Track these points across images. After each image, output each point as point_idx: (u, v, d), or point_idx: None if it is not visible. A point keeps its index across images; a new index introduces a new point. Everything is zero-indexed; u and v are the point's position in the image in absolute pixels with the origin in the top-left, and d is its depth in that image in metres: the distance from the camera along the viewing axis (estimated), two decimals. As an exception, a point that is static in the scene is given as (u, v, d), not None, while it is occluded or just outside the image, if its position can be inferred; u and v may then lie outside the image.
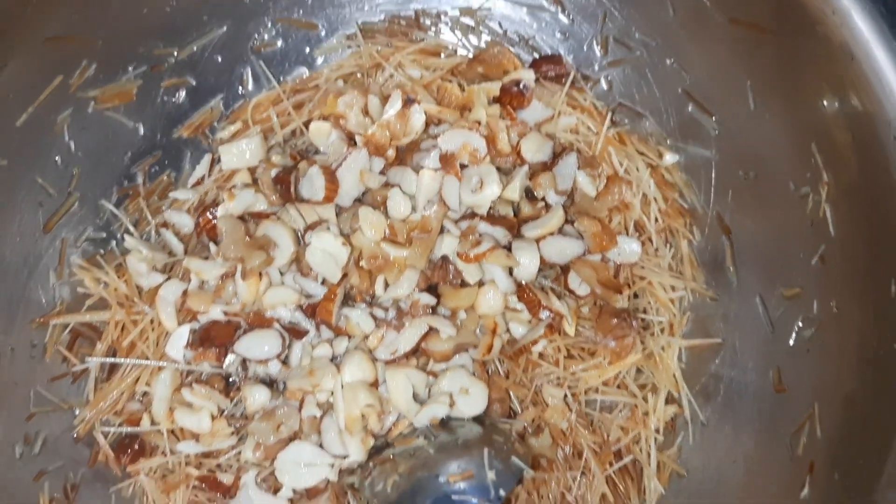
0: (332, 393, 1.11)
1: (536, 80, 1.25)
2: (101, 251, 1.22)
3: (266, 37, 1.29)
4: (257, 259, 1.13)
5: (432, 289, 1.17)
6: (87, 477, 1.15)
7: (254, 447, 1.12)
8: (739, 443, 1.14)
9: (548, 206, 1.22)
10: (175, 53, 1.22)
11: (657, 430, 1.21)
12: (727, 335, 1.20)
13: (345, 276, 1.15)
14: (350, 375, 1.12)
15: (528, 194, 1.23)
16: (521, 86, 1.23)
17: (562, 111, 1.25)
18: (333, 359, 1.15)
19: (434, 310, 1.16)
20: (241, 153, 1.22)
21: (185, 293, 1.17)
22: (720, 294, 1.22)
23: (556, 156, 1.22)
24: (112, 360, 1.19)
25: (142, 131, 1.24)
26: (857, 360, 0.97)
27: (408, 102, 1.19)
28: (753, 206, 1.16)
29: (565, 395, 1.19)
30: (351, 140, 1.21)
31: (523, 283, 1.18)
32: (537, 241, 1.18)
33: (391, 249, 1.14)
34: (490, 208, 1.19)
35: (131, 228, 1.24)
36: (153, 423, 1.16)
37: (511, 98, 1.23)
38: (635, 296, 1.26)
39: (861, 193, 0.97)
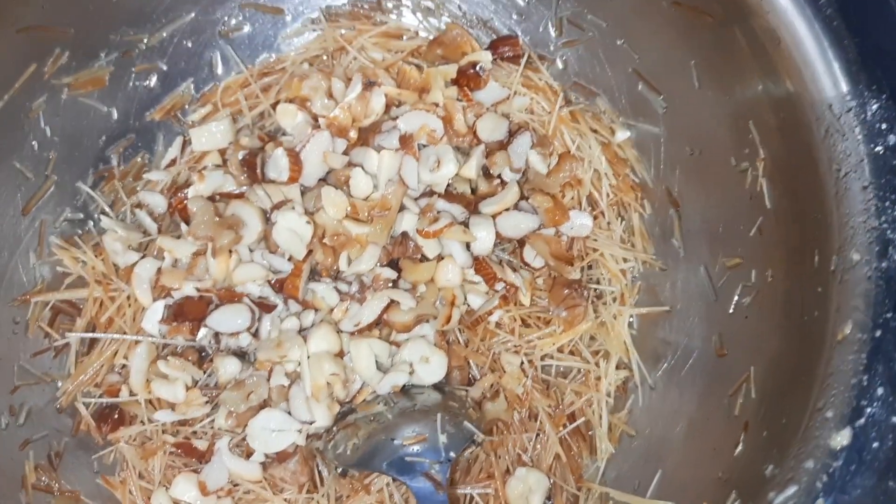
0: (299, 363, 1.16)
1: (494, 61, 1.29)
2: (79, 231, 1.26)
3: (233, 22, 1.33)
4: (227, 238, 1.18)
5: (393, 263, 1.23)
6: (70, 445, 1.20)
7: (226, 415, 1.17)
8: (684, 404, 1.19)
9: (503, 184, 1.26)
10: (145, 40, 1.26)
11: (608, 394, 1.26)
12: (675, 303, 1.25)
13: (310, 252, 1.19)
14: (316, 346, 1.17)
15: (485, 172, 1.28)
16: (478, 67, 1.27)
17: (517, 91, 1.30)
18: (301, 331, 1.20)
19: (395, 283, 1.21)
20: (211, 135, 1.26)
21: (159, 271, 1.22)
22: (668, 264, 1.27)
23: (512, 134, 1.27)
24: (91, 335, 1.23)
25: (115, 115, 1.28)
26: (786, 325, 1.02)
27: (368, 85, 1.23)
28: (699, 181, 1.21)
29: (522, 362, 1.24)
30: (316, 122, 1.25)
31: (480, 256, 1.23)
32: (493, 216, 1.23)
33: (353, 227, 1.19)
34: (448, 186, 1.24)
35: (107, 209, 1.28)
36: (131, 393, 1.20)
37: (468, 80, 1.26)
38: (589, 267, 1.31)
39: (790, 170, 1.02)
